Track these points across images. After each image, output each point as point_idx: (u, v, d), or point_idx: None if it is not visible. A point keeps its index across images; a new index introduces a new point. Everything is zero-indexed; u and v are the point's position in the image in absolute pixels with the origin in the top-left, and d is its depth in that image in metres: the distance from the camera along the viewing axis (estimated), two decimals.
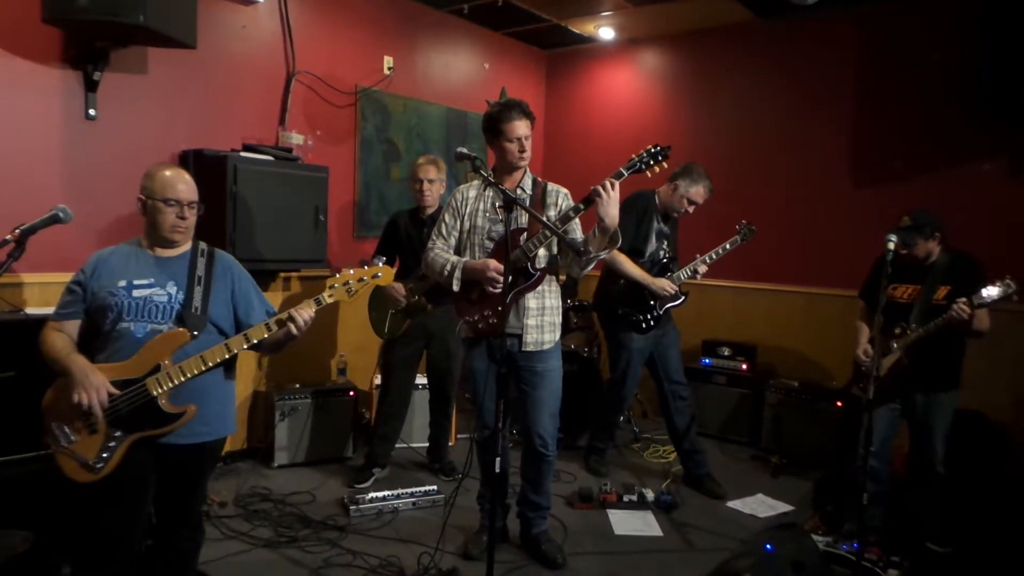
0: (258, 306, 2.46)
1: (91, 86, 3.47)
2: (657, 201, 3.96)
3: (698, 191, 3.85)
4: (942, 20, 4.47)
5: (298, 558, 3.12)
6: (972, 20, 4.17)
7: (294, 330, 2.30)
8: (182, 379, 2.21)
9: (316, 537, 3.29)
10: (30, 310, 3.10)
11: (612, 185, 2.70)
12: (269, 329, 2.29)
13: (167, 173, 2.32)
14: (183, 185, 2.31)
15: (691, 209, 3.90)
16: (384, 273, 2.36)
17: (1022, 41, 3.75)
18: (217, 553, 3.11)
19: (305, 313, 2.29)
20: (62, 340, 2.23)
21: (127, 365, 2.19)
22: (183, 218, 2.30)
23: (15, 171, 3.28)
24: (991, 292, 2.93)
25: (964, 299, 2.97)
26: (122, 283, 2.24)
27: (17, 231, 2.01)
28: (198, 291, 2.30)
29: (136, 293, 2.23)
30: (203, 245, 2.42)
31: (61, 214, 2.13)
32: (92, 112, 3.50)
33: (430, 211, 3.94)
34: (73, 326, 2.27)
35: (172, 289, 2.28)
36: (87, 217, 3.41)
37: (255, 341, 2.30)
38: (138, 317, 2.22)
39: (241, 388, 4.29)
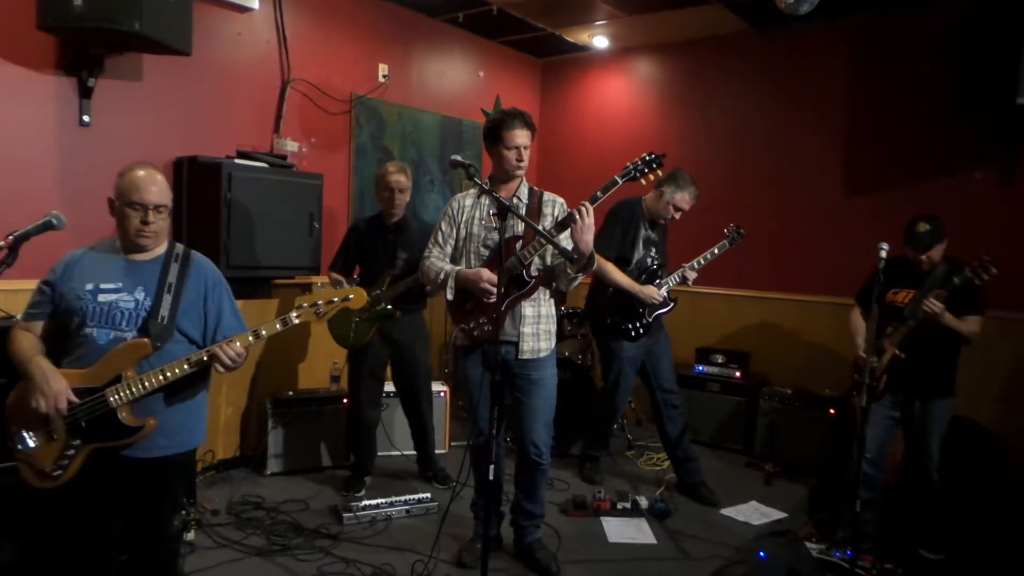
0: (229, 319, 2.33)
1: (86, 93, 3.47)
2: (644, 208, 3.97)
3: (683, 197, 3.86)
4: (934, 29, 4.51)
5: (291, 567, 3.10)
6: (963, 29, 4.22)
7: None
8: (142, 391, 2.13)
9: (309, 545, 3.28)
10: None
11: (587, 210, 2.72)
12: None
13: (139, 173, 2.18)
14: (152, 187, 2.17)
15: (677, 216, 3.91)
16: (356, 296, 2.30)
17: (1012, 49, 3.79)
18: (209, 562, 3.10)
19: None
20: (29, 341, 2.17)
21: (89, 373, 2.12)
22: (147, 222, 2.17)
23: (9, 177, 3.27)
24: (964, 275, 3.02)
25: (935, 293, 3.06)
26: (89, 286, 2.16)
27: (10, 237, 2.00)
28: (167, 299, 2.19)
29: (101, 298, 2.15)
30: (179, 248, 2.30)
31: (55, 220, 2.11)
32: (86, 119, 3.49)
33: (395, 219, 3.93)
34: (40, 327, 2.20)
35: (140, 295, 2.18)
36: (81, 224, 3.37)
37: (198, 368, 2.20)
38: (101, 323, 2.14)
39: (234, 396, 4.27)
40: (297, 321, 2.25)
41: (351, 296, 2.29)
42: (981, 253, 3.01)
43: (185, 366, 2.17)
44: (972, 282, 3.02)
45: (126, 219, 2.18)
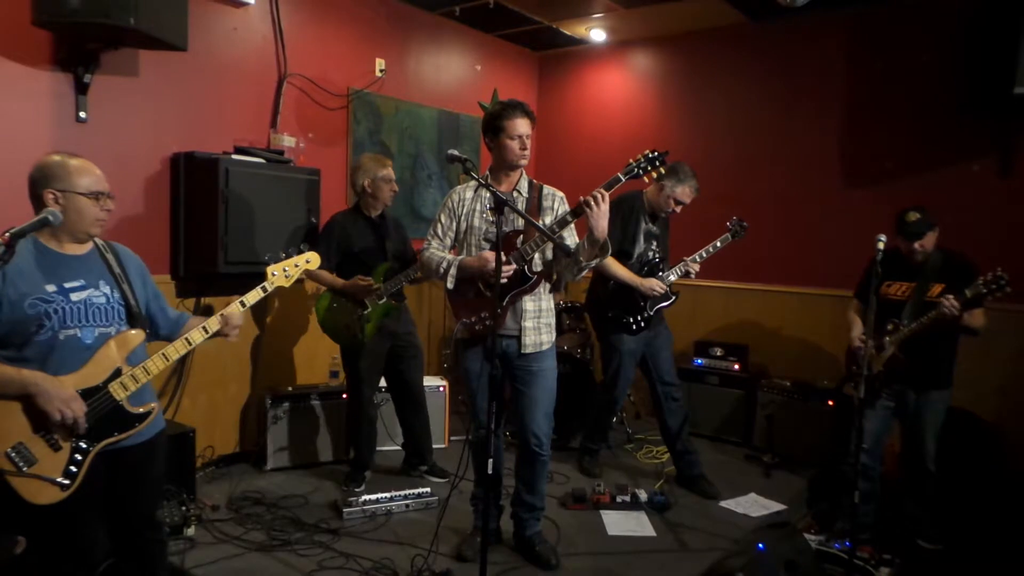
0: (164, 301, 2.41)
1: (82, 88, 3.46)
2: (644, 202, 3.96)
3: (684, 191, 3.85)
4: (931, 21, 4.50)
5: (291, 561, 3.11)
6: (961, 21, 4.21)
7: (232, 336, 2.32)
8: (147, 378, 2.18)
9: (309, 540, 3.29)
10: None
11: (603, 197, 2.72)
12: (222, 322, 2.31)
13: (78, 163, 2.14)
14: (97, 176, 2.16)
15: (678, 209, 3.91)
16: (312, 259, 2.56)
17: (1010, 41, 3.78)
18: (209, 557, 3.11)
19: (237, 317, 2.33)
20: None
21: (82, 374, 2.08)
22: (108, 210, 2.18)
23: (5, 174, 3.25)
24: (978, 288, 2.96)
25: (953, 295, 3.00)
26: (51, 287, 2.07)
27: (7, 234, 1.99)
28: (127, 289, 2.22)
29: (74, 297, 2.10)
30: (100, 240, 2.26)
31: (51, 217, 2.10)
32: (83, 114, 3.48)
33: (379, 211, 3.93)
34: None
35: (106, 288, 2.18)
36: None
37: (210, 335, 2.30)
38: (83, 322, 2.10)
39: (234, 391, 4.27)
40: (271, 287, 2.44)
41: (309, 259, 2.55)
42: (996, 268, 2.97)
43: (192, 342, 2.25)
44: (984, 296, 2.98)
45: (86, 210, 2.13)
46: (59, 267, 2.13)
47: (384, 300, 3.84)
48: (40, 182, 2.12)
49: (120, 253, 2.31)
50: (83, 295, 2.13)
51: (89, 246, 2.24)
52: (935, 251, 3.23)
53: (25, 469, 2.03)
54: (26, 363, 2.04)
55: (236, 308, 2.34)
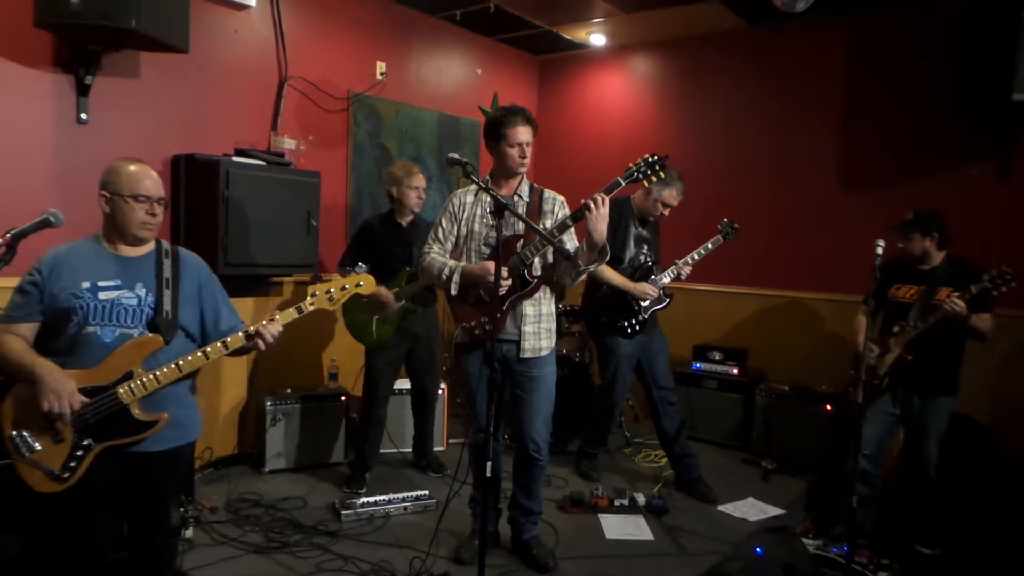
0: (226, 312, 2.37)
1: (83, 90, 3.47)
2: (633, 206, 3.98)
3: (670, 194, 3.86)
4: (930, 25, 4.52)
5: (289, 563, 3.11)
6: (959, 25, 4.23)
7: (261, 345, 2.25)
8: (156, 386, 2.14)
9: (307, 542, 3.29)
10: None
11: (602, 201, 2.73)
12: (248, 338, 2.24)
13: (132, 168, 2.21)
14: (151, 181, 2.22)
15: (666, 212, 3.92)
16: (366, 282, 2.34)
17: (1008, 46, 3.80)
18: (207, 559, 3.10)
19: (273, 328, 2.25)
20: (19, 344, 2.11)
21: (95, 371, 2.10)
22: (153, 215, 2.21)
23: (6, 175, 3.27)
24: (983, 284, 2.98)
25: (957, 293, 3.00)
26: (86, 284, 2.13)
27: (8, 235, 2.00)
28: (167, 294, 2.21)
29: (102, 296, 2.13)
30: (166, 244, 2.31)
31: (52, 218, 2.11)
32: (84, 116, 3.49)
33: (410, 217, 3.98)
34: (28, 329, 2.13)
35: (141, 291, 2.19)
36: (78, 221, 3.37)
37: (232, 350, 2.23)
38: (105, 321, 2.13)
39: (232, 393, 4.28)
40: (311, 308, 2.29)
41: (362, 283, 2.33)
42: (1002, 264, 2.99)
43: (210, 356, 2.20)
44: (989, 292, 2.99)
45: (129, 212, 2.17)
46: (103, 266, 2.18)
47: (403, 303, 3.87)
48: (102, 185, 2.19)
49: (182, 260, 2.31)
50: (113, 295, 2.15)
51: (146, 249, 2.27)
52: (945, 259, 3.24)
53: (27, 455, 2.08)
54: (56, 354, 2.11)
55: (275, 327, 2.25)
